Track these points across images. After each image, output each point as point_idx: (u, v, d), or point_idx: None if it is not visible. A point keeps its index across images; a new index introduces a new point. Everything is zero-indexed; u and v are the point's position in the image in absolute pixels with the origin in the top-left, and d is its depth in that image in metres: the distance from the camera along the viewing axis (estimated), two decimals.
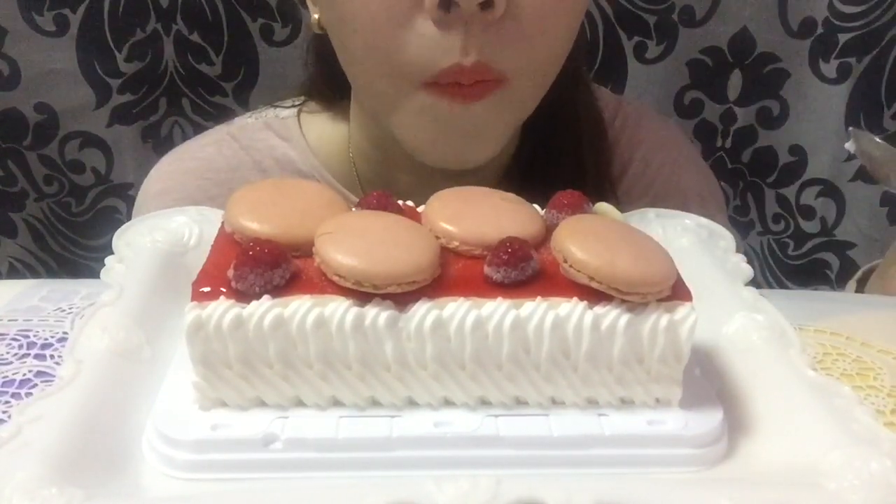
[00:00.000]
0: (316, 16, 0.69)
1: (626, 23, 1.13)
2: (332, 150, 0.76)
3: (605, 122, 0.78)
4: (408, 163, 0.69)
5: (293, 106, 0.80)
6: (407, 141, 0.65)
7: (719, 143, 1.21)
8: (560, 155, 0.73)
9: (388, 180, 0.74)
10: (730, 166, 1.22)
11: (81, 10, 1.07)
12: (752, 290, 0.59)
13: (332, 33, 0.66)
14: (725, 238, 0.65)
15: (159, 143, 1.16)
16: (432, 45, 0.59)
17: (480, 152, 0.66)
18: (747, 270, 0.61)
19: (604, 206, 0.56)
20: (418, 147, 0.65)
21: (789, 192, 1.24)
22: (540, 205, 0.55)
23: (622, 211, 0.73)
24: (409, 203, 0.56)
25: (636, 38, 1.14)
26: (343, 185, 0.75)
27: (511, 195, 0.56)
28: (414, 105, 0.62)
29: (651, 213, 0.68)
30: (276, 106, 0.82)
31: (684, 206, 0.77)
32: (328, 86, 0.77)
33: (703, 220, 0.67)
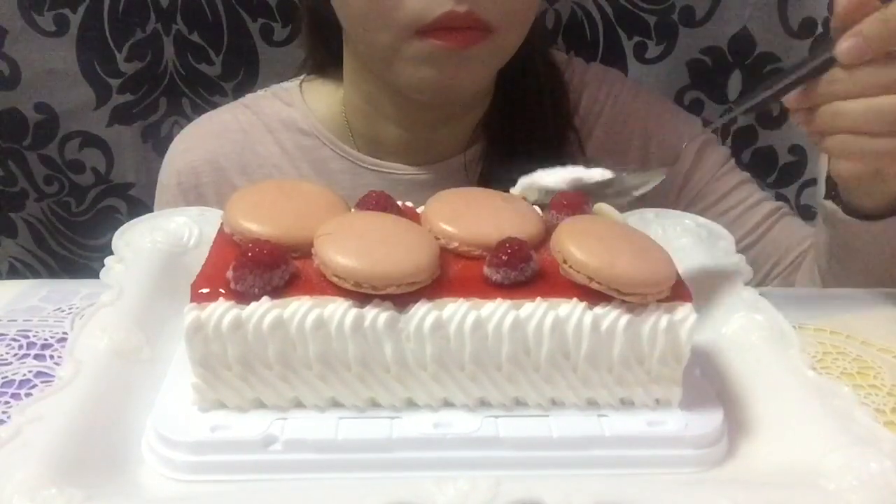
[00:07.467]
0: None
1: (626, 23, 1.13)
2: (327, 109, 0.88)
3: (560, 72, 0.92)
4: (394, 114, 0.83)
5: (295, 79, 0.93)
6: (405, 81, 0.75)
7: (719, 143, 1.21)
8: (524, 101, 0.85)
9: (376, 131, 0.85)
10: None
11: (81, 10, 1.07)
12: (751, 290, 0.59)
13: None
14: (725, 238, 0.66)
15: (159, 142, 1.16)
16: (428, 1, 0.68)
17: (466, 87, 0.77)
18: (747, 270, 0.61)
19: (603, 207, 0.56)
20: (414, 85, 0.75)
21: (789, 192, 1.23)
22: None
23: (587, 145, 0.86)
24: (409, 203, 0.56)
25: (636, 38, 1.14)
26: (337, 138, 0.87)
27: (511, 195, 0.57)
28: (411, 51, 0.72)
29: (651, 213, 0.68)
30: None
31: (645, 129, 0.89)
32: (322, 55, 0.89)
33: (703, 220, 0.67)
